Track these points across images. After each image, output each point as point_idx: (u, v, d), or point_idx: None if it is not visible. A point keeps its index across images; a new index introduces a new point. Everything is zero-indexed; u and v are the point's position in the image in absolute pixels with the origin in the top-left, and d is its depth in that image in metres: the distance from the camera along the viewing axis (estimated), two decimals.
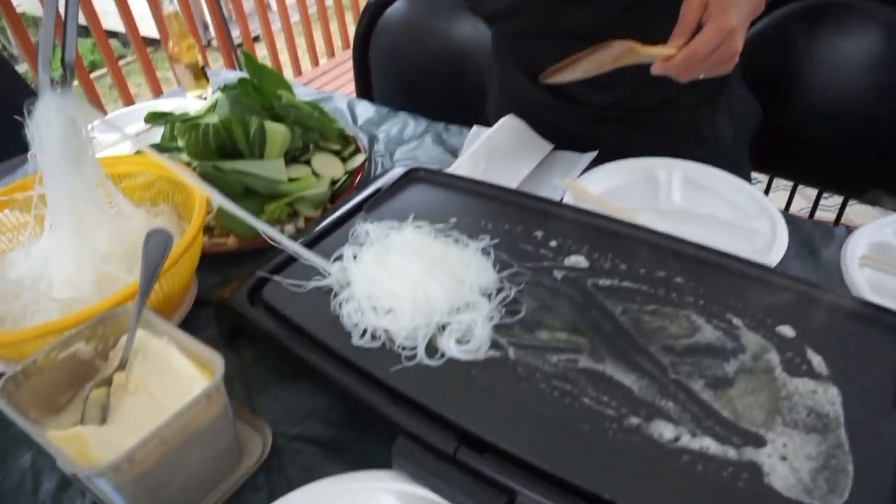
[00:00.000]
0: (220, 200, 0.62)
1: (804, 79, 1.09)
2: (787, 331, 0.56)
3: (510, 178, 0.89)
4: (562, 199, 0.83)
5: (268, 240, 0.65)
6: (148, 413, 0.52)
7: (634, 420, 0.50)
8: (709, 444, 0.47)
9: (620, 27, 0.79)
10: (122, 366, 0.55)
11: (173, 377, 0.54)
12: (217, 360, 0.51)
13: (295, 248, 0.65)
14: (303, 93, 1.19)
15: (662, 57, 0.68)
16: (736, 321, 0.57)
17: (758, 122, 1.03)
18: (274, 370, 0.67)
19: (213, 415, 0.51)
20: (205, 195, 0.70)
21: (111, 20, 2.50)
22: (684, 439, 0.48)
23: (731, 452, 0.47)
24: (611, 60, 0.70)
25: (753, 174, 1.10)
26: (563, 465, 0.47)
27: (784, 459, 0.46)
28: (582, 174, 0.89)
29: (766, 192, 1.29)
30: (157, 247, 0.59)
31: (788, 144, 1.15)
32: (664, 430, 0.49)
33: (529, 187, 0.89)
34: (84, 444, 0.47)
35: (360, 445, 0.58)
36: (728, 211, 0.83)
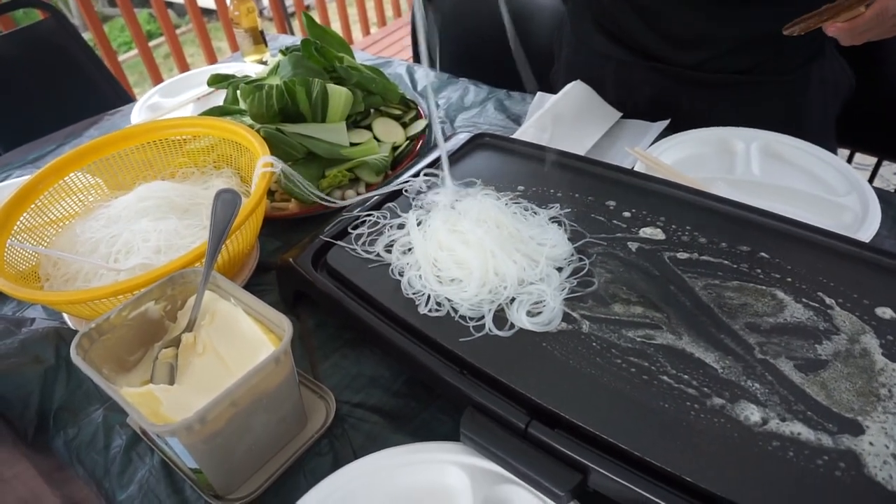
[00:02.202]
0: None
1: None
2: (886, 313, 0.52)
3: (577, 146, 0.86)
4: (632, 169, 0.80)
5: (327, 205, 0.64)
6: (215, 374, 0.52)
7: (718, 401, 0.47)
8: (800, 430, 0.44)
9: None
10: (190, 327, 0.55)
11: (240, 339, 0.54)
12: (286, 324, 0.51)
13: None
14: (361, 58, 1.17)
15: (853, 14, 0.65)
16: (828, 300, 0.54)
17: (850, 93, 0.96)
18: (335, 338, 0.66)
19: (281, 379, 0.51)
20: (269, 157, 0.69)
21: None
22: (773, 423, 0.45)
23: (826, 439, 0.43)
24: (839, 11, 0.67)
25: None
26: (641, 443, 0.44)
27: (887, 449, 0.42)
28: (652, 144, 0.85)
29: None
30: (225, 206, 0.58)
31: (874, 117, 1.07)
32: (751, 413, 0.46)
33: (597, 156, 0.86)
34: (157, 403, 0.47)
35: (423, 415, 0.57)
36: (812, 185, 0.78)
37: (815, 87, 0.89)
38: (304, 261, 0.64)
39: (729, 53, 0.86)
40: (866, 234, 0.68)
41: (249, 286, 0.73)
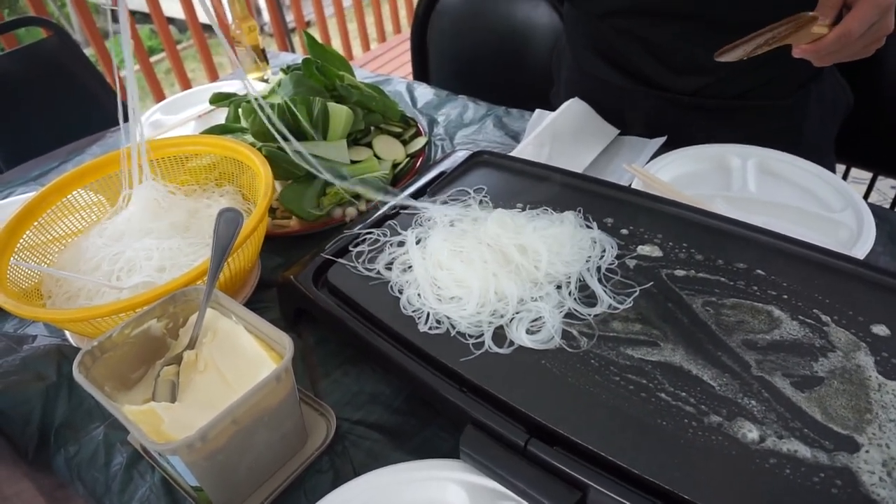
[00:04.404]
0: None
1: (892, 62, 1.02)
2: (881, 330, 0.52)
3: (575, 163, 0.87)
4: (629, 186, 0.80)
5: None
6: (217, 392, 0.52)
7: (716, 418, 0.47)
8: (797, 447, 0.44)
9: (715, 4, 0.75)
10: (192, 344, 0.55)
11: (242, 357, 0.54)
12: (286, 342, 0.51)
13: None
14: (361, 75, 1.19)
15: (814, 37, 0.61)
16: (824, 317, 0.54)
17: (848, 110, 0.97)
18: (335, 354, 0.66)
19: (282, 396, 0.51)
20: (270, 176, 0.70)
21: (170, 6, 2.55)
22: (770, 441, 0.45)
23: (823, 457, 0.44)
24: (783, 37, 0.63)
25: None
26: (639, 461, 0.45)
27: (883, 466, 0.42)
28: (650, 161, 0.86)
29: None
30: (227, 225, 0.59)
31: (870, 133, 1.08)
32: (748, 431, 0.46)
33: (595, 173, 0.87)
34: (158, 421, 0.47)
35: (424, 433, 0.58)
36: (808, 201, 0.78)
37: (813, 109, 0.90)
38: (304, 278, 0.65)
39: (728, 80, 0.87)
40: (861, 250, 0.68)
41: (251, 303, 0.73)
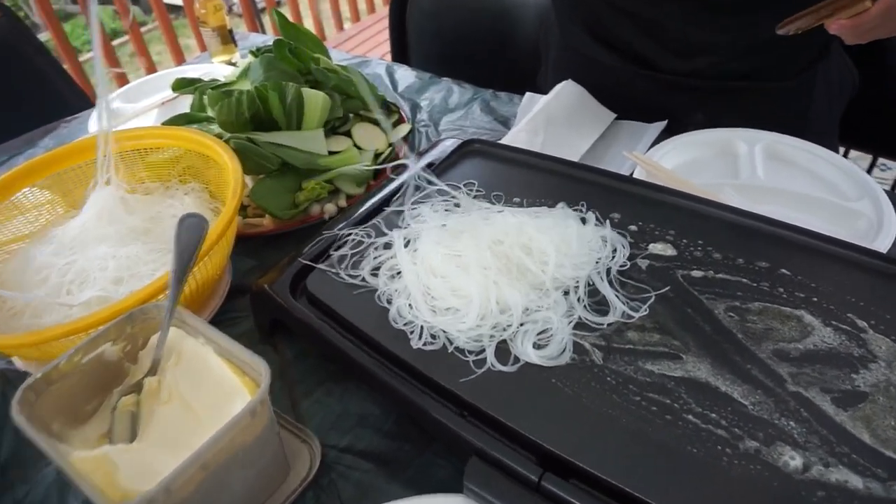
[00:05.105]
0: None
1: None
2: None
3: (571, 150, 0.81)
4: (631, 175, 0.75)
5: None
6: (183, 426, 0.46)
7: (752, 443, 0.42)
8: (846, 477, 0.39)
9: None
10: (154, 370, 0.49)
11: (211, 384, 0.47)
12: (262, 368, 0.44)
13: None
14: (336, 57, 1.11)
15: (857, 11, 0.59)
16: (860, 322, 0.49)
17: (854, 91, 0.92)
18: (317, 370, 0.60)
19: (258, 431, 0.45)
20: (239, 171, 0.63)
21: None
22: (816, 470, 0.40)
23: (877, 488, 0.39)
24: (839, 9, 0.60)
25: None
26: (670, 497, 0.39)
27: None
28: (650, 147, 0.80)
29: None
30: (190, 232, 0.52)
31: (872, 114, 1.03)
32: (790, 458, 0.41)
33: (592, 161, 0.81)
34: (113, 468, 0.41)
35: (420, 461, 0.52)
36: (821, 189, 0.73)
37: (820, 90, 0.85)
38: (280, 287, 0.58)
39: (729, 60, 0.82)
40: (883, 243, 0.64)
41: (221, 313, 0.66)
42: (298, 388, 0.59)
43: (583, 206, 0.62)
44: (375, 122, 0.86)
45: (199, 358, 0.48)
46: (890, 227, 0.65)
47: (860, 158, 1.18)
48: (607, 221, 0.59)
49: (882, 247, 0.63)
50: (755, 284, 0.53)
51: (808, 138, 0.78)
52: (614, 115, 0.88)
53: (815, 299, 0.51)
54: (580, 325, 0.51)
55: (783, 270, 0.54)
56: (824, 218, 0.69)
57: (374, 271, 0.58)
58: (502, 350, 0.50)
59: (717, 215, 0.61)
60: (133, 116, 1.01)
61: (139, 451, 0.43)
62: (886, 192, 0.70)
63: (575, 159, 0.79)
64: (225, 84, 0.83)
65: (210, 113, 0.80)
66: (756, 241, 0.57)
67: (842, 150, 1.18)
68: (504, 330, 0.50)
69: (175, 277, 0.50)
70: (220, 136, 0.72)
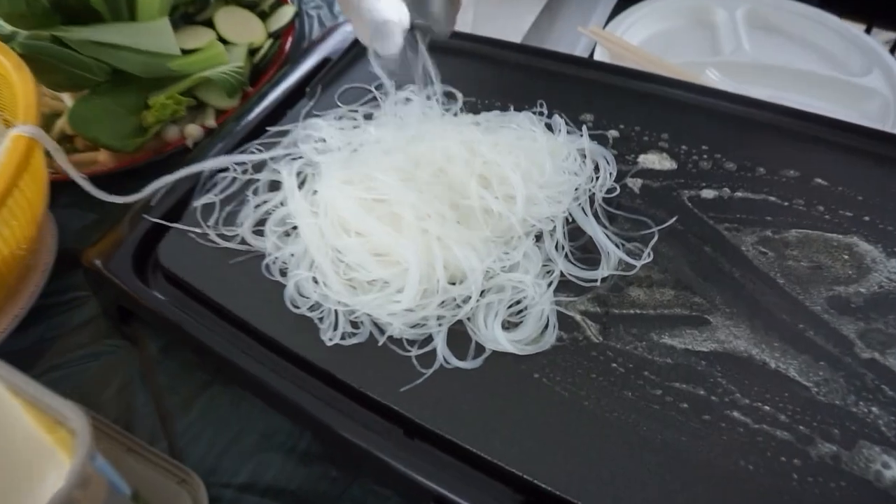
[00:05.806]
0: None
1: None
2: None
3: (510, 29, 0.63)
4: (591, 57, 0.58)
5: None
6: None
7: (827, 447, 0.29)
8: None
9: None
10: None
11: (10, 447, 0.30)
12: (79, 425, 0.27)
13: None
14: None
15: None
16: None
17: None
18: (195, 368, 0.42)
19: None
20: (32, 87, 0.41)
21: None
22: None
23: None
24: None
25: None
26: None
27: None
28: (609, 20, 0.63)
29: None
30: None
31: None
32: (882, 466, 0.29)
33: (537, 42, 0.63)
34: None
35: (352, 492, 0.36)
36: (820, 62, 0.60)
37: None
38: (120, 262, 0.40)
39: None
40: None
41: (50, 294, 0.47)
42: (171, 400, 0.41)
43: (541, 106, 0.46)
44: (248, 5, 0.64)
45: None
46: None
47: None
48: (584, 127, 0.42)
49: None
50: (787, 204, 0.39)
51: None
52: None
53: (867, 218, 0.38)
54: (564, 286, 0.36)
55: (818, 180, 0.40)
56: (829, 98, 0.56)
57: (258, 227, 0.40)
58: (458, 336, 0.34)
59: (722, 109, 0.45)
60: None
61: None
62: None
63: (517, 40, 0.61)
64: None
65: None
66: (776, 142, 0.43)
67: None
68: (458, 307, 0.34)
69: None
70: (8, 39, 0.49)
